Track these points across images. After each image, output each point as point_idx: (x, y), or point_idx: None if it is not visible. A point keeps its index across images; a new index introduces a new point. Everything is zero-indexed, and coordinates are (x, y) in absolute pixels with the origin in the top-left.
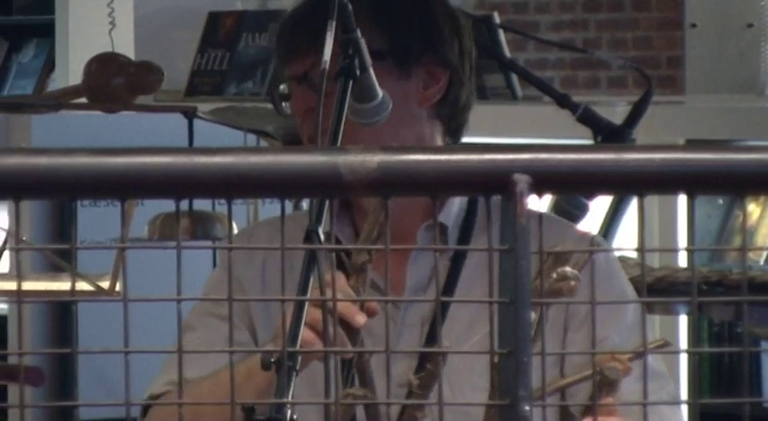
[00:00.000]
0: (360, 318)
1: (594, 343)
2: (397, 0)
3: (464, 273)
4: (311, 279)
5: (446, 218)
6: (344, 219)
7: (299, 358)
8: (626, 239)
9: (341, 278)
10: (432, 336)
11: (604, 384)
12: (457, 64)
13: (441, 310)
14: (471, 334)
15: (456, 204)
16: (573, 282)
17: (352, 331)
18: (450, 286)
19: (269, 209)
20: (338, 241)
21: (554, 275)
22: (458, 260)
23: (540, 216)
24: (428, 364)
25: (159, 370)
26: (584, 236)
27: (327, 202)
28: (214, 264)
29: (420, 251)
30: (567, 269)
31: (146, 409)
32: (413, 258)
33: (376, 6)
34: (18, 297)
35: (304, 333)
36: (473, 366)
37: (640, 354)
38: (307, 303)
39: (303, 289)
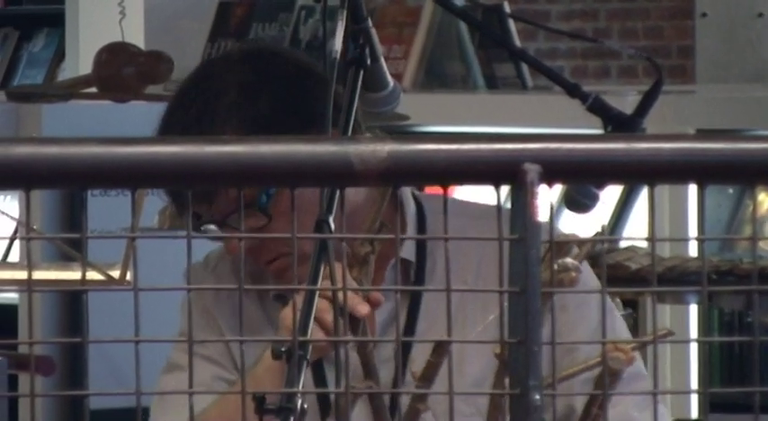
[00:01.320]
0: (362, 308)
1: (605, 332)
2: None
3: (423, 305)
4: (321, 269)
5: (409, 253)
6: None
7: (310, 348)
8: (636, 229)
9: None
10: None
11: (607, 374)
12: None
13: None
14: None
15: (411, 230)
16: (574, 273)
17: (354, 322)
18: (411, 319)
19: None
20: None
21: (555, 266)
22: (416, 294)
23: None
24: (430, 356)
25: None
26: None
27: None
28: None
29: (385, 293)
30: (568, 260)
31: None
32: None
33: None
34: (29, 286)
35: (313, 330)
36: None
37: (645, 344)
38: (317, 295)
39: (314, 278)
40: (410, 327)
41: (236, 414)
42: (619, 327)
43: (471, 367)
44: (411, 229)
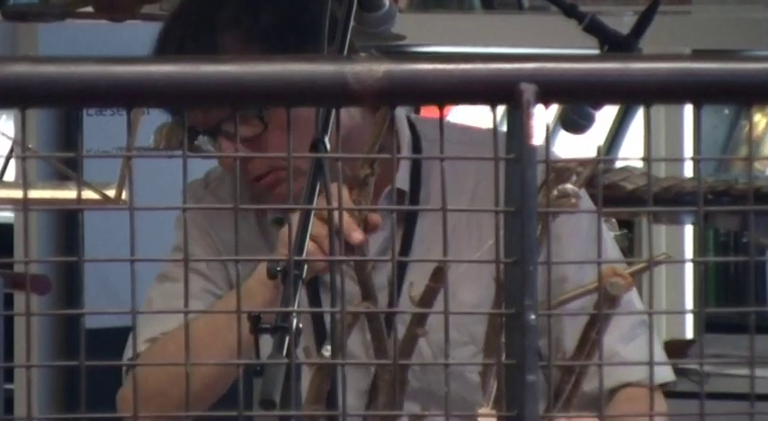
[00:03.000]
0: (357, 236)
1: (601, 253)
2: None
3: (417, 234)
4: (317, 188)
5: (403, 183)
6: None
7: (305, 267)
8: (632, 149)
9: (344, 191)
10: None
11: (605, 300)
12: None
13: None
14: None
15: (406, 169)
16: (573, 199)
17: (351, 247)
18: (405, 248)
19: None
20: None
21: (555, 192)
22: (411, 222)
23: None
24: (428, 282)
25: (136, 329)
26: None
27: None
28: None
29: (381, 216)
30: (568, 186)
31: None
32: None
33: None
34: (24, 205)
35: (309, 246)
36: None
37: (643, 270)
38: (312, 215)
39: (309, 198)
40: (405, 255)
41: (224, 327)
42: (613, 257)
43: (466, 295)
44: (405, 160)
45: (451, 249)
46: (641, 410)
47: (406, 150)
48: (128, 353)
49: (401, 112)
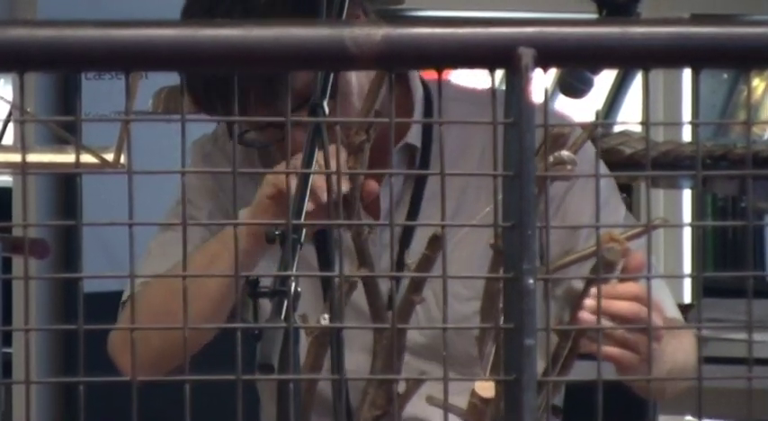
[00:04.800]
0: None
1: (598, 216)
2: None
3: (427, 192)
4: (315, 152)
5: (415, 138)
6: None
7: (304, 231)
8: (630, 113)
9: (341, 154)
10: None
11: (603, 265)
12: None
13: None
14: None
15: (418, 115)
16: (570, 166)
17: (349, 207)
18: (415, 204)
19: None
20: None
21: (551, 159)
22: (420, 181)
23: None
24: (426, 249)
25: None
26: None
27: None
28: None
29: (390, 177)
30: (564, 153)
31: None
32: (385, 182)
33: None
34: (23, 169)
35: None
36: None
37: (641, 234)
38: (311, 175)
39: (308, 162)
40: (414, 213)
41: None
42: (623, 217)
43: (469, 254)
44: (418, 114)
45: (461, 208)
46: (681, 344)
47: (419, 107)
48: (126, 294)
49: (414, 72)
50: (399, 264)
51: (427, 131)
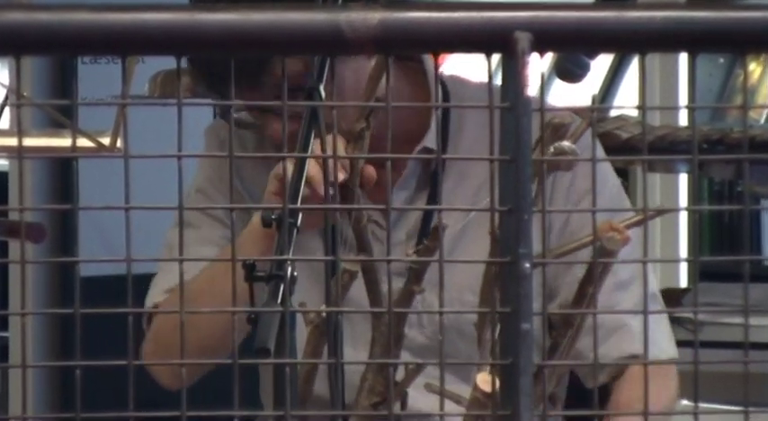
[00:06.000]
0: (340, 175)
1: (595, 202)
2: None
3: (442, 194)
4: (311, 136)
5: (431, 141)
6: None
7: (301, 215)
8: (627, 98)
9: (340, 142)
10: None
11: (602, 255)
12: None
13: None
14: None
15: (433, 125)
16: (571, 157)
17: (348, 195)
18: (431, 203)
19: None
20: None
21: (551, 149)
22: (436, 182)
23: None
24: (426, 241)
25: (156, 277)
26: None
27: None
28: None
29: (406, 181)
30: (565, 143)
31: (150, 318)
32: (401, 183)
33: None
34: (19, 152)
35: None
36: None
37: (639, 222)
38: (308, 161)
39: (304, 146)
40: (428, 216)
41: (223, 276)
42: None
43: (473, 249)
44: (432, 112)
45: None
46: (655, 390)
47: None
48: (148, 302)
49: (430, 66)
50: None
51: (443, 133)
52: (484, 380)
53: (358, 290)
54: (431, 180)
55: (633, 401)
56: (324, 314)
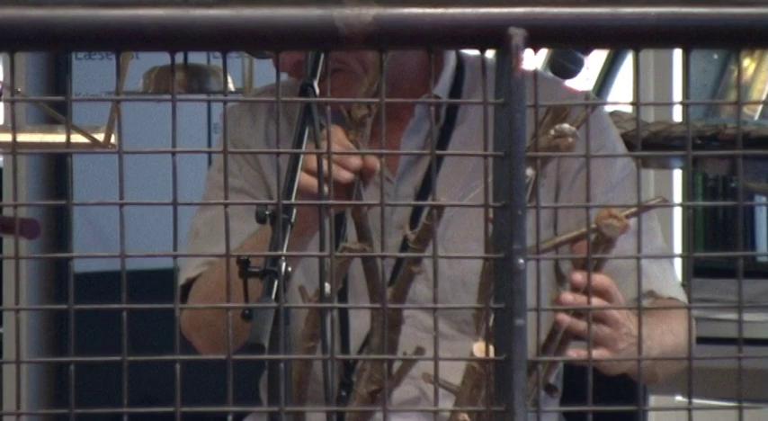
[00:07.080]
0: (344, 174)
1: (589, 196)
2: None
3: (454, 140)
4: (306, 132)
5: (441, 90)
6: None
7: (295, 211)
8: (621, 94)
9: (339, 132)
10: (425, 191)
11: (601, 242)
12: None
13: (435, 166)
14: (464, 198)
15: (448, 76)
16: (570, 139)
17: (347, 186)
18: (437, 164)
19: (264, 63)
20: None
21: (552, 132)
22: (448, 128)
23: (534, 73)
24: (425, 220)
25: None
26: (576, 92)
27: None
28: (209, 118)
29: (415, 125)
30: (565, 126)
31: (184, 293)
32: (407, 132)
33: None
34: (13, 148)
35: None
36: (467, 234)
37: (637, 213)
38: (302, 157)
39: (298, 142)
40: (439, 159)
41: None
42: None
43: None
44: (447, 76)
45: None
46: (670, 327)
47: (449, 70)
48: (181, 279)
49: None
50: (415, 219)
51: (456, 88)
52: (481, 349)
53: (358, 279)
54: (442, 128)
55: (656, 335)
56: (327, 291)
